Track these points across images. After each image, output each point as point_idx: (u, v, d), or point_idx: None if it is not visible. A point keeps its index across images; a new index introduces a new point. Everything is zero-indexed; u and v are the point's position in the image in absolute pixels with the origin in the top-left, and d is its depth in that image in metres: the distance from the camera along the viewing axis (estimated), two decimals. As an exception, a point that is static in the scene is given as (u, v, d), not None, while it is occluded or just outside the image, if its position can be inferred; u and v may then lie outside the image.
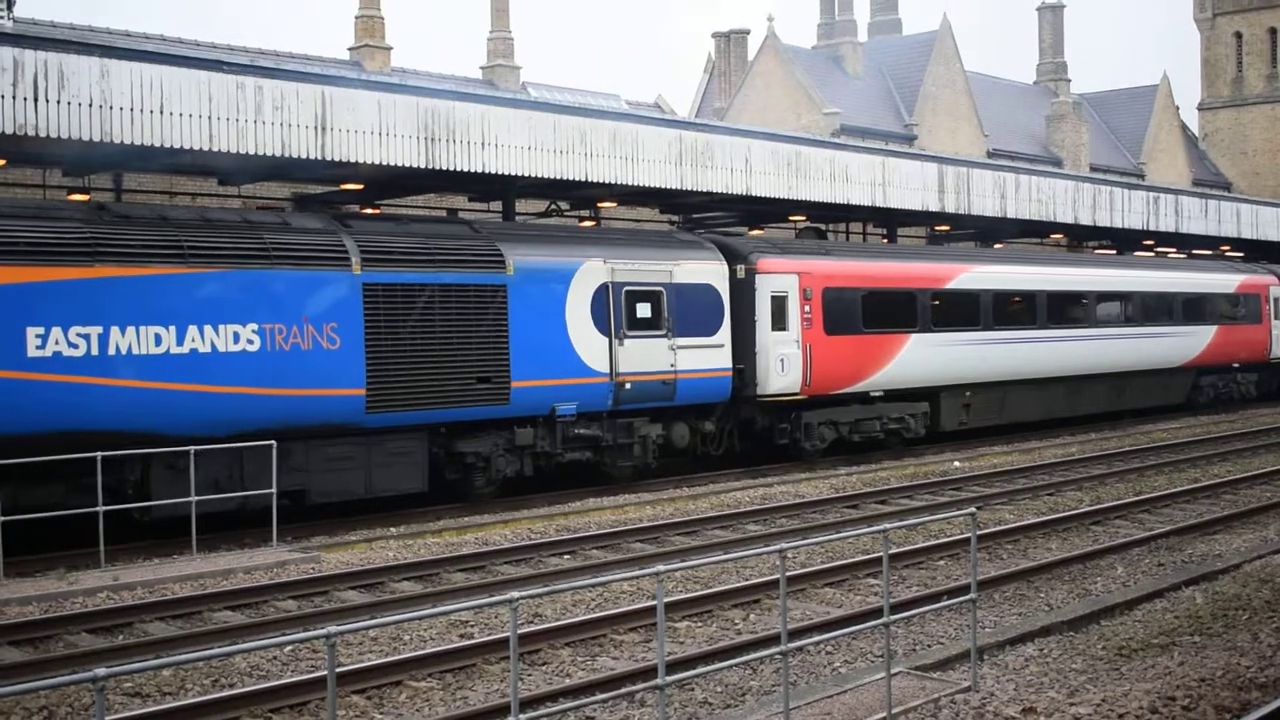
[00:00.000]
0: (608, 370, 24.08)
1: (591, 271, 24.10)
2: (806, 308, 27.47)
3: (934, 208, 32.52)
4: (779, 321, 27.02)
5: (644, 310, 24.87)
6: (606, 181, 25.12)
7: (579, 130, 24.31)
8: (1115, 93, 78.52)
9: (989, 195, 34.14)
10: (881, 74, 62.03)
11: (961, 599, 12.31)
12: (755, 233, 35.23)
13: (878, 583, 15.70)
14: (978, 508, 16.93)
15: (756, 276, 26.98)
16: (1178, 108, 79.20)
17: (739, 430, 27.70)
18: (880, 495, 23.75)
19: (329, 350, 20.41)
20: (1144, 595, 15.11)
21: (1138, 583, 16.04)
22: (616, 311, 24.32)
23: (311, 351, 20.20)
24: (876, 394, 29.49)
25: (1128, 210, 39.37)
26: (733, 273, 26.73)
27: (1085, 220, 37.79)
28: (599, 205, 30.84)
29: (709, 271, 26.24)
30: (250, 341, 19.60)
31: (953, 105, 61.64)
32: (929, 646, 13.15)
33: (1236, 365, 42.99)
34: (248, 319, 19.63)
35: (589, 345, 23.85)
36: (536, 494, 24.01)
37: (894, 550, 16.54)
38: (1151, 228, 40.57)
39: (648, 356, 24.72)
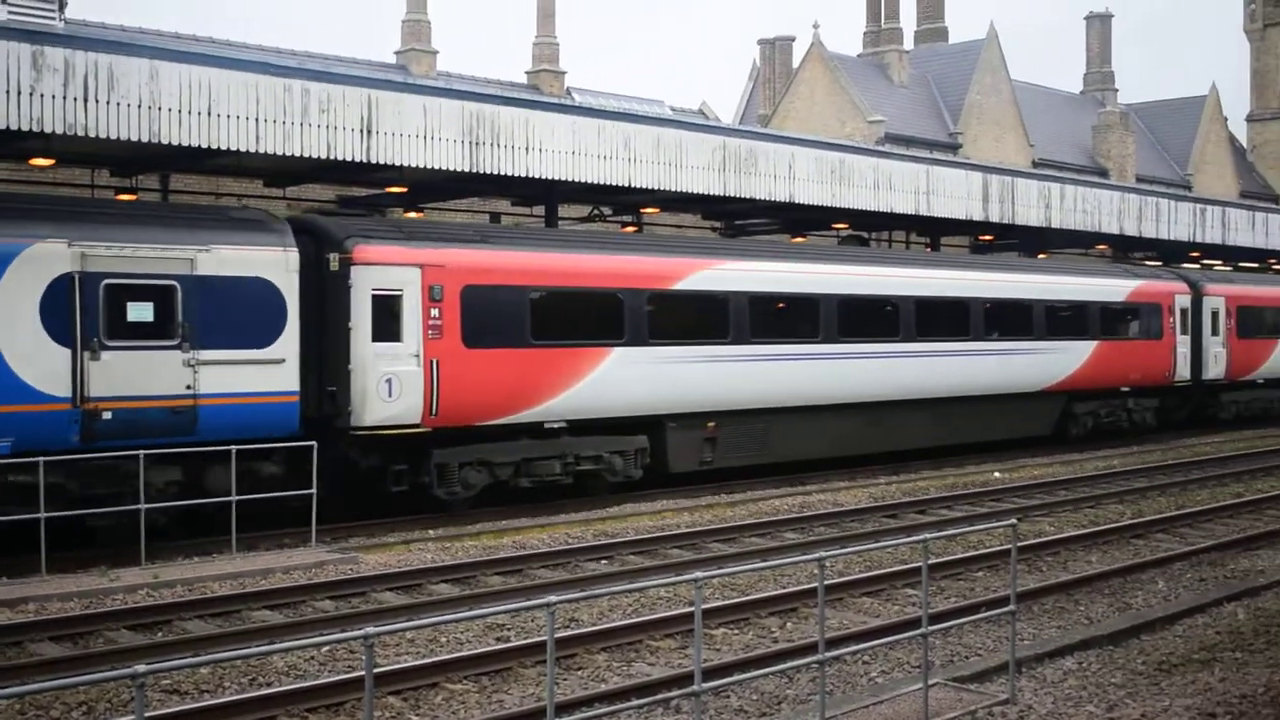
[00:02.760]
0: (70, 394, 17.83)
1: (43, 258, 17.82)
2: (435, 311, 21.13)
3: (978, 217, 32.36)
4: (386, 330, 20.65)
5: (141, 312, 18.68)
6: (650, 187, 25.15)
7: (623, 136, 24.35)
8: (1163, 103, 77.88)
9: (1034, 205, 33.94)
10: (927, 82, 61.80)
11: (1000, 611, 12.26)
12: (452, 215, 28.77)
13: (916, 593, 15.63)
14: (1018, 519, 16.79)
15: (353, 269, 20.49)
16: (1226, 119, 78.44)
17: (342, 473, 21.01)
18: (919, 505, 23.64)
19: None
20: (1185, 610, 14.99)
21: (1179, 597, 15.92)
22: (89, 313, 18.08)
23: None
24: (556, 425, 22.97)
25: (1174, 222, 39.05)
26: (323, 263, 20.70)
27: (1131, 231, 37.54)
28: (642, 211, 30.87)
29: (262, 261, 19.67)
30: None
31: (998, 114, 61.32)
32: (967, 658, 13.08)
33: (1126, 389, 35.96)
34: None
35: (37, 359, 17.64)
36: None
37: (933, 560, 16.45)
38: (1198, 239, 40.23)
39: (146, 376, 18.45)
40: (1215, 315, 38.31)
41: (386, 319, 20.67)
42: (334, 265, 20.62)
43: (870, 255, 32.15)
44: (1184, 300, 37.29)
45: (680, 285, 24.82)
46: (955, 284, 30.64)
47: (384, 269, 20.70)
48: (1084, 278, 35.05)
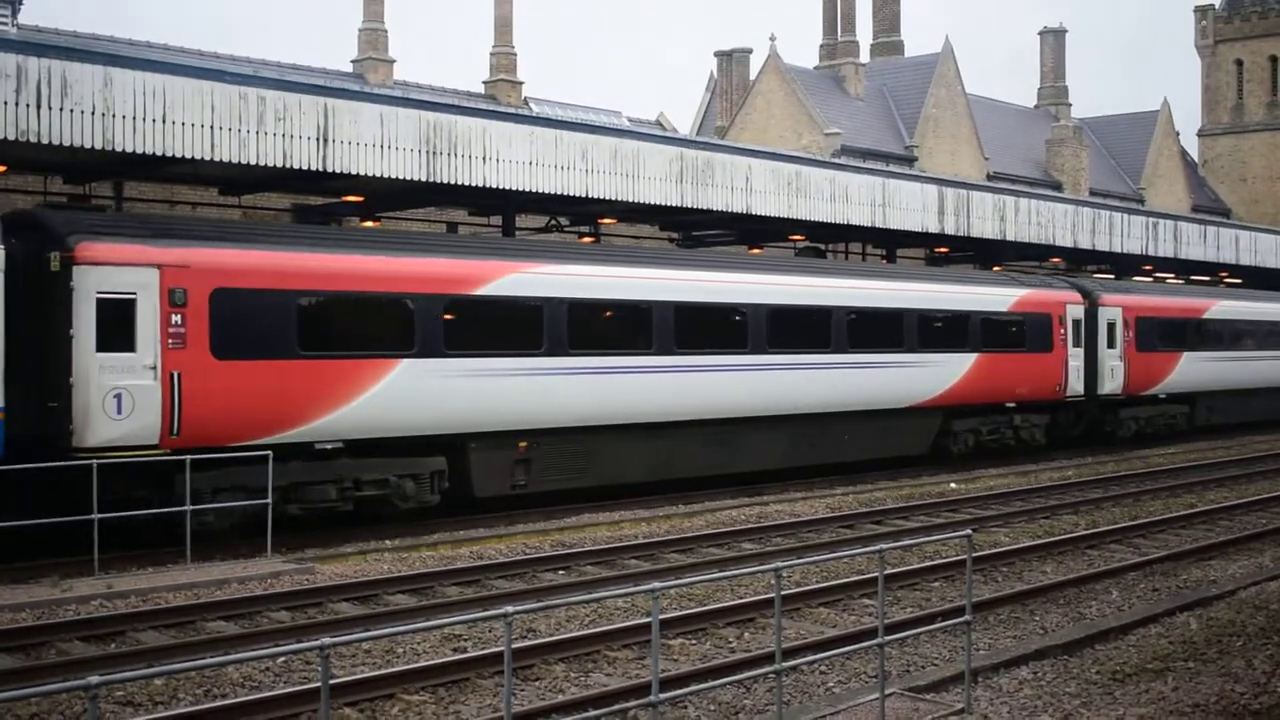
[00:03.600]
0: None
1: None
2: (177, 318, 18.67)
3: (933, 229, 32.56)
4: (115, 338, 18.26)
5: None
6: (607, 198, 25.16)
7: (580, 146, 24.36)
8: (1116, 118, 78.75)
9: (988, 218, 34.18)
10: (883, 95, 62.20)
11: (956, 621, 12.30)
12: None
13: (872, 603, 15.67)
14: (973, 530, 16.90)
15: (76, 269, 18.13)
16: (1178, 134, 79.48)
17: (75, 500, 17.55)
18: (876, 515, 23.71)
19: None
20: (1139, 620, 15.10)
21: (1132, 607, 16.04)
22: None
23: None
24: (330, 445, 20.39)
25: (1127, 235, 39.45)
26: (43, 262, 18.45)
27: (1085, 244, 37.88)
28: (600, 221, 30.89)
29: None
30: None
31: (953, 128, 61.78)
32: (923, 668, 13.13)
33: (1012, 404, 33.72)
34: None
35: None
36: (532, 509, 23.74)
37: (889, 571, 16.51)
38: (1150, 253, 40.67)
39: None
40: (1112, 327, 36.53)
41: (115, 326, 18.29)
42: (54, 265, 18.37)
43: (711, 260, 28.91)
44: (1076, 310, 35.31)
45: (484, 290, 22.38)
46: (813, 291, 28.33)
47: (113, 269, 18.35)
48: (962, 286, 32.77)
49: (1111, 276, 43.35)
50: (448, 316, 21.76)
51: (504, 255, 23.29)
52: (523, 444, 23.13)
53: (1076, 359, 35.09)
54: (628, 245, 31.09)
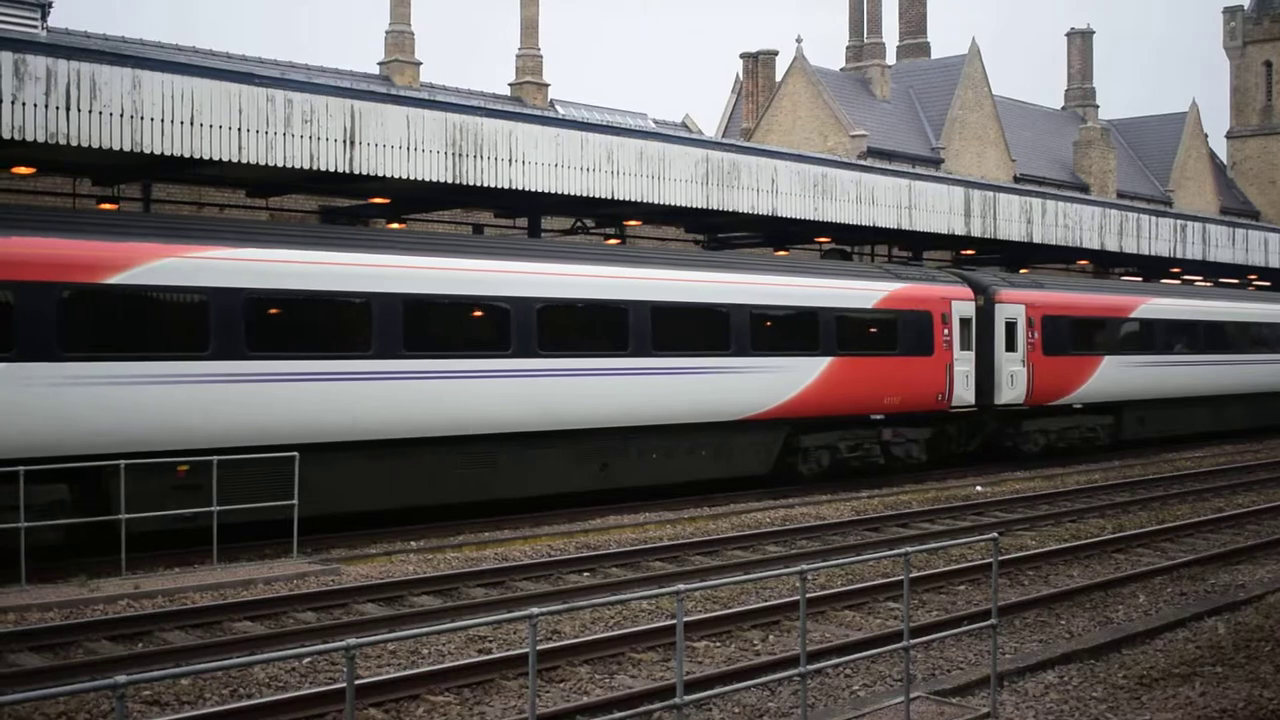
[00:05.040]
0: None
1: None
2: None
3: (960, 231, 32.47)
4: None
5: None
6: (633, 200, 25.18)
7: (606, 148, 24.38)
8: (1144, 119, 78.31)
9: (1015, 220, 34.07)
10: (909, 97, 61.99)
11: (982, 624, 12.27)
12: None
13: (898, 606, 15.64)
14: (999, 533, 16.82)
15: None
16: (1206, 135, 78.93)
17: None
18: (901, 519, 23.66)
19: None
20: (1166, 624, 15.03)
21: (1160, 612, 15.96)
22: None
23: None
24: None
25: (1155, 237, 39.26)
26: None
27: (1112, 247, 37.71)
28: (625, 224, 30.91)
29: None
30: None
31: (980, 129, 61.54)
32: (948, 672, 13.09)
33: (880, 416, 29.12)
34: None
35: None
36: (557, 510, 23.76)
37: (915, 574, 16.47)
38: (1179, 255, 40.46)
39: None
40: (1012, 327, 31.99)
41: None
42: None
43: (462, 244, 23.44)
44: (965, 308, 30.88)
45: (122, 278, 18.17)
46: (601, 284, 23.86)
47: None
48: (810, 278, 27.91)
49: (1199, 280, 41.58)
50: (66, 311, 17.75)
51: (156, 236, 18.89)
52: (183, 467, 18.82)
53: (965, 363, 30.70)
54: (347, 227, 26.07)
